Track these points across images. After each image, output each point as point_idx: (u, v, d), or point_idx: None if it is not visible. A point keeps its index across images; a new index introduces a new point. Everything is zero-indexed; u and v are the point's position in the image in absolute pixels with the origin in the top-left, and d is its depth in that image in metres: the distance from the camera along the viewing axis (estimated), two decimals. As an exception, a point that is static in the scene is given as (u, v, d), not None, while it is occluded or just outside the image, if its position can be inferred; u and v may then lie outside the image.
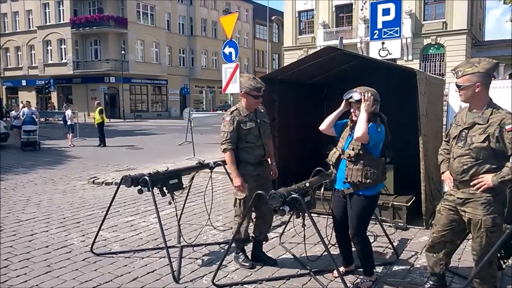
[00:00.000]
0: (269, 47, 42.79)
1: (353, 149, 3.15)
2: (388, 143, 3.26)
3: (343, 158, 3.22)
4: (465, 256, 3.88)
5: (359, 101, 3.10)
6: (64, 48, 37.07)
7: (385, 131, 3.17)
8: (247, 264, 3.71)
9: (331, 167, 3.37)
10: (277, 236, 4.48)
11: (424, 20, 29.24)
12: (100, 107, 15.20)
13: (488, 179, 2.61)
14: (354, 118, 3.21)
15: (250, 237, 3.81)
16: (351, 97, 3.15)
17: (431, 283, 3.08)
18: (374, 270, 3.37)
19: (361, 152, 3.11)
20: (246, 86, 3.54)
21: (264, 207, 3.54)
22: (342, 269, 3.48)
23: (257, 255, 3.83)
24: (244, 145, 3.56)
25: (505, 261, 3.31)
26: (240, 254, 3.79)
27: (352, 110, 3.22)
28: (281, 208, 2.94)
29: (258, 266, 3.77)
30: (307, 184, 3.19)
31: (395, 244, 4.11)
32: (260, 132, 3.59)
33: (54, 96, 38.30)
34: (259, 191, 3.23)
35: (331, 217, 4.08)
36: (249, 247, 3.87)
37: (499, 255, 3.05)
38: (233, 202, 3.70)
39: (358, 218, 3.19)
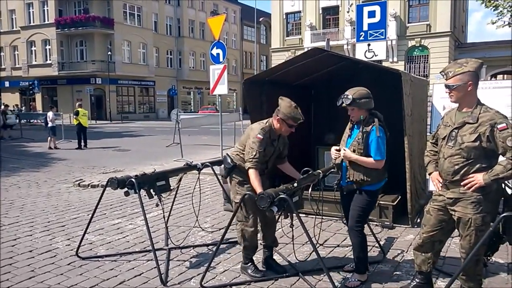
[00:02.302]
0: (257, 49, 42.92)
1: (353, 151, 3.22)
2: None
3: (345, 161, 3.29)
4: (450, 253, 3.94)
5: (351, 104, 3.16)
6: (49, 49, 36.54)
7: (384, 130, 3.24)
8: (258, 275, 3.51)
9: (335, 167, 3.43)
10: (265, 237, 4.48)
11: (408, 22, 29.67)
12: (76, 109, 14.73)
13: (479, 178, 2.64)
14: (353, 119, 3.30)
15: (260, 243, 3.70)
16: (342, 103, 3.21)
17: (417, 281, 3.11)
18: (367, 272, 3.39)
19: (362, 154, 3.19)
20: (286, 113, 3.33)
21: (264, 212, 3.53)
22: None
23: (267, 262, 3.72)
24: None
25: (489, 257, 3.37)
26: (249, 264, 3.59)
27: (349, 113, 3.28)
28: (269, 208, 2.94)
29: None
30: (295, 185, 3.21)
31: (381, 242, 4.16)
32: (271, 156, 3.52)
33: (38, 98, 37.69)
34: (248, 193, 3.21)
35: (319, 217, 4.11)
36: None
37: (483, 252, 3.10)
38: (234, 208, 3.56)
39: (357, 211, 3.27)
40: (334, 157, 3.34)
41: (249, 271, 3.56)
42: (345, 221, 3.59)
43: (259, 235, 3.67)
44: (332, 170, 3.54)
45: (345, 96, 3.20)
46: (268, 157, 3.49)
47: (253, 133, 3.41)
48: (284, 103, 3.38)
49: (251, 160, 3.32)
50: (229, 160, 3.52)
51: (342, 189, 3.43)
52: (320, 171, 3.53)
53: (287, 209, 3.05)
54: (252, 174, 3.30)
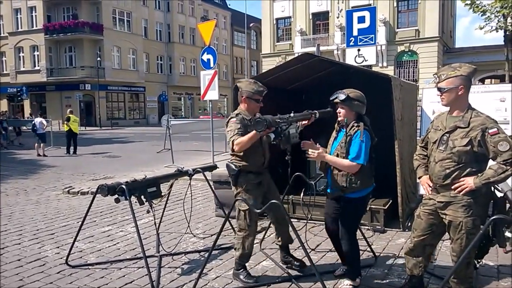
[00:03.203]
0: (247, 54, 42.99)
1: (337, 155, 3.18)
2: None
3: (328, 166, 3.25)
4: (441, 257, 3.97)
5: (344, 101, 3.13)
6: (37, 55, 36.22)
7: (370, 135, 3.19)
8: (251, 281, 3.48)
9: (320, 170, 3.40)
10: (257, 243, 4.47)
11: (397, 28, 30.04)
12: (67, 115, 14.69)
13: (470, 182, 2.66)
14: (339, 119, 3.22)
15: (276, 244, 3.73)
16: (336, 98, 3.17)
17: (410, 284, 3.12)
18: (359, 277, 3.37)
19: (344, 158, 3.13)
20: (248, 90, 3.46)
21: (276, 212, 3.53)
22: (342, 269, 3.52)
23: (285, 259, 3.76)
24: (245, 153, 3.42)
25: (479, 260, 3.40)
26: (241, 270, 3.57)
27: (338, 111, 3.23)
28: (267, 135, 2.99)
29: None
30: (292, 115, 3.17)
31: (373, 246, 4.17)
32: (261, 138, 3.45)
33: (27, 104, 37.24)
34: (258, 211, 3.20)
35: (311, 221, 4.11)
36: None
37: (473, 255, 3.12)
38: (236, 215, 3.53)
39: (347, 219, 3.24)
40: (309, 157, 3.25)
41: (241, 276, 3.54)
42: (324, 225, 3.56)
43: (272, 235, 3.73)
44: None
45: (341, 92, 3.16)
46: (260, 145, 3.46)
47: (228, 125, 3.46)
48: (244, 84, 3.52)
49: (232, 136, 3.31)
50: (233, 167, 3.48)
51: (328, 195, 3.40)
52: (317, 112, 3.48)
53: (283, 140, 3.03)
54: (238, 139, 3.26)
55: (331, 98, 3.22)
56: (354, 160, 3.08)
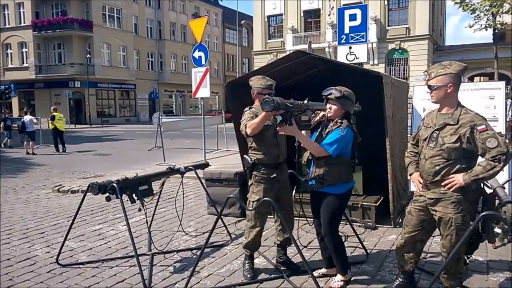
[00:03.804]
0: (239, 51, 42.93)
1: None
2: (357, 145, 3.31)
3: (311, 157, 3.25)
4: (431, 253, 4.01)
5: (338, 98, 3.13)
6: (26, 52, 35.72)
7: (354, 133, 3.19)
8: (248, 275, 3.58)
9: (304, 166, 3.39)
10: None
11: (388, 25, 30.19)
12: (52, 113, 14.55)
13: (459, 178, 2.68)
14: (329, 115, 3.21)
15: (274, 242, 3.73)
16: (330, 93, 3.16)
17: (401, 280, 3.15)
18: (349, 271, 3.38)
19: None
20: (257, 86, 3.58)
21: (282, 210, 3.55)
22: (323, 270, 3.51)
23: (280, 261, 3.77)
24: (260, 145, 3.50)
25: (469, 256, 3.44)
26: (247, 262, 3.67)
27: (328, 106, 3.21)
28: (274, 116, 2.99)
29: (234, 270, 3.75)
30: (306, 102, 3.17)
31: (365, 243, 4.19)
32: (276, 131, 3.45)
33: (15, 102, 36.74)
34: (266, 199, 3.23)
35: (302, 219, 4.12)
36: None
37: (463, 250, 3.16)
38: (247, 206, 3.59)
39: (327, 216, 3.23)
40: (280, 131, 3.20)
41: (244, 267, 3.66)
42: (312, 223, 3.56)
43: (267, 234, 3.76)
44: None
45: (336, 89, 3.15)
46: (273, 131, 3.47)
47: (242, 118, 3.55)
48: (254, 81, 3.63)
49: (244, 122, 3.42)
50: (248, 159, 3.56)
51: (306, 189, 3.40)
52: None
53: (289, 128, 3.02)
54: (249, 122, 3.35)
55: (324, 94, 3.21)
56: (324, 146, 3.10)
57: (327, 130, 3.19)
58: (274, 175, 3.54)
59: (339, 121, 3.15)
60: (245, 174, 3.74)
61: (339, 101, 3.14)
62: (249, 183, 3.63)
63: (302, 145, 3.19)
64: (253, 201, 3.53)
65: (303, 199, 3.81)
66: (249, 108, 3.59)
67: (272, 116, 3.14)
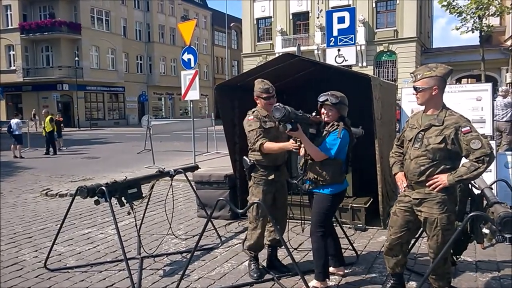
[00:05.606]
0: (228, 54, 42.87)
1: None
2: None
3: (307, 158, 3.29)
4: (421, 254, 4.04)
5: (335, 104, 3.18)
6: (13, 54, 35.19)
7: (350, 135, 3.25)
8: (255, 275, 3.60)
9: (300, 169, 3.42)
10: (240, 242, 4.47)
11: (376, 28, 30.49)
12: (50, 116, 14.70)
13: (443, 179, 2.72)
14: (326, 119, 3.26)
15: (264, 244, 3.75)
16: (327, 100, 3.20)
17: (392, 282, 3.17)
18: (327, 280, 3.30)
19: None
20: (256, 89, 3.67)
21: (276, 212, 3.59)
22: (331, 269, 3.49)
23: (272, 263, 3.79)
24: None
25: (458, 257, 3.48)
26: (253, 262, 3.71)
27: (324, 112, 3.26)
28: (285, 124, 3.05)
29: (224, 272, 3.74)
30: (313, 114, 3.25)
31: (355, 245, 4.22)
32: (278, 133, 3.58)
33: (2, 105, 36.15)
34: (257, 202, 3.29)
35: (292, 221, 4.13)
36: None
37: (452, 251, 3.20)
38: (247, 208, 3.58)
39: (315, 215, 3.26)
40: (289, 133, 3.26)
41: (250, 268, 3.69)
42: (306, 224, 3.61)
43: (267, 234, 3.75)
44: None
45: (332, 95, 3.19)
46: (275, 134, 3.56)
47: (245, 122, 3.62)
48: (255, 84, 3.71)
49: (257, 138, 3.49)
50: (247, 161, 3.61)
51: (301, 190, 3.44)
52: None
53: (297, 132, 3.09)
54: (268, 144, 3.44)
55: (320, 100, 3.25)
56: (323, 150, 3.17)
57: (324, 132, 3.24)
58: (273, 177, 3.57)
59: (336, 123, 3.22)
60: (235, 176, 3.75)
61: (335, 106, 3.21)
62: (249, 185, 3.69)
63: (304, 148, 3.22)
64: (252, 203, 3.52)
65: (293, 201, 3.82)
66: (252, 112, 3.65)
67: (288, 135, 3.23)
